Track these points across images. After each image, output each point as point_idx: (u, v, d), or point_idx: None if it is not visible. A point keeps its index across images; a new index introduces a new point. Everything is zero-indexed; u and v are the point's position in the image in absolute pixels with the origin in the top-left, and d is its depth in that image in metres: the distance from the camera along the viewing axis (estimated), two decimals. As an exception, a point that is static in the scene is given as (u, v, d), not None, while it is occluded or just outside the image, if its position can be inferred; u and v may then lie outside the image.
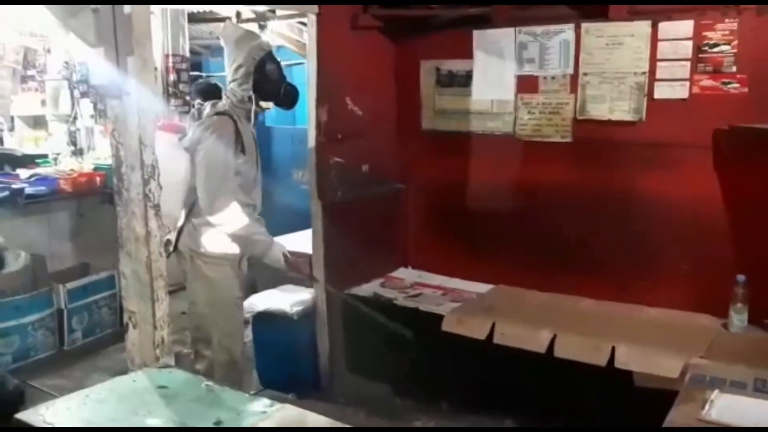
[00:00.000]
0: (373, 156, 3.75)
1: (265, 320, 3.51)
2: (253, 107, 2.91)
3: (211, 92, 4.74)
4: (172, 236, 2.93)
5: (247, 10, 5.43)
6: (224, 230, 2.83)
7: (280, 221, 4.77)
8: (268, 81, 2.90)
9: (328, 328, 3.59)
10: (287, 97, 3.01)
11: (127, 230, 2.44)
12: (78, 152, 5.18)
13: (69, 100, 5.17)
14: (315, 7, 3.31)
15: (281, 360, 3.47)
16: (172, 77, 5.35)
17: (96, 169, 4.66)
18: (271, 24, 5.64)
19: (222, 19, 5.58)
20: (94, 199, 4.43)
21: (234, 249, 2.91)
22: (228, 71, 2.91)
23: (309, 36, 3.42)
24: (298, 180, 5.60)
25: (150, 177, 2.39)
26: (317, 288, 3.49)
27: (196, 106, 4.37)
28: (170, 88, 5.35)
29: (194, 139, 2.87)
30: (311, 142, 3.47)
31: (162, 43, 5.32)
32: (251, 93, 2.86)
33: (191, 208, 2.90)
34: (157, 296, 2.45)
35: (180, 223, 2.94)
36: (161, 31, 5.29)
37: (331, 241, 3.54)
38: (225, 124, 2.84)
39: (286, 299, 3.50)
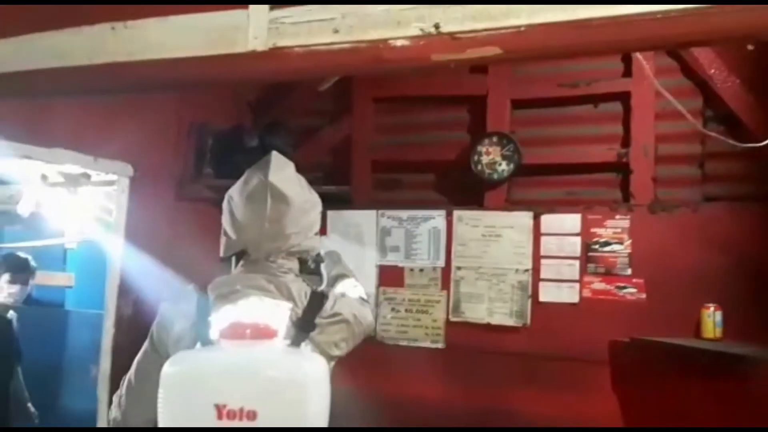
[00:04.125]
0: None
1: None
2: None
3: (21, 267, 3.99)
4: None
5: (53, 172, 4.57)
6: None
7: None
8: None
9: None
10: None
11: None
12: None
13: None
14: (128, 168, 2.57)
15: None
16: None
17: None
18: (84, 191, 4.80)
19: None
20: None
21: None
22: (296, 229, 1.79)
23: (117, 205, 2.64)
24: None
25: None
26: None
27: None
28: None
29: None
30: (106, 341, 2.56)
31: (-68, 204, 4.26)
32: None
33: None
34: None
35: None
36: (-68, 190, 4.26)
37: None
38: None
39: None
